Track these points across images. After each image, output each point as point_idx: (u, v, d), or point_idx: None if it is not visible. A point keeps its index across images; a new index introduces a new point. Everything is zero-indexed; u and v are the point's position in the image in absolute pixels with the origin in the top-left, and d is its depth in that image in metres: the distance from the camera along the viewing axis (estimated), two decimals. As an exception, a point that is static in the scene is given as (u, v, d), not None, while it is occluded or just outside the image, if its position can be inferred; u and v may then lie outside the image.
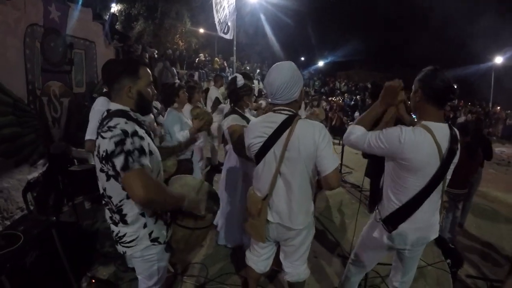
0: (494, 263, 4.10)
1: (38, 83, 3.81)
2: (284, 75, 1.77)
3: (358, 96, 19.76)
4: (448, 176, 1.82)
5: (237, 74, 2.91)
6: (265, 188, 1.87)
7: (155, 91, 1.71)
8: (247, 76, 3.81)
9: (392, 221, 1.87)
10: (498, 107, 21.06)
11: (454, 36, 26.06)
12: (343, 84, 25.09)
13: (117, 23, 16.34)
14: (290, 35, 27.18)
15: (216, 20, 9.58)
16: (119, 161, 1.40)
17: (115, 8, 17.05)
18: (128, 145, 1.42)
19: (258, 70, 20.25)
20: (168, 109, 3.49)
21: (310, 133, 1.75)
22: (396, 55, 31.72)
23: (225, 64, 17.60)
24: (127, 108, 1.59)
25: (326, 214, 4.53)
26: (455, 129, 1.82)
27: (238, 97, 2.85)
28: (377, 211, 2.02)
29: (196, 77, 14.08)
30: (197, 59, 16.44)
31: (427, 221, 1.87)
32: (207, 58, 17.85)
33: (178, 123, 3.28)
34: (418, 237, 1.90)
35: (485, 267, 3.96)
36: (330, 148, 1.77)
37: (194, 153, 3.58)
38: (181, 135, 3.15)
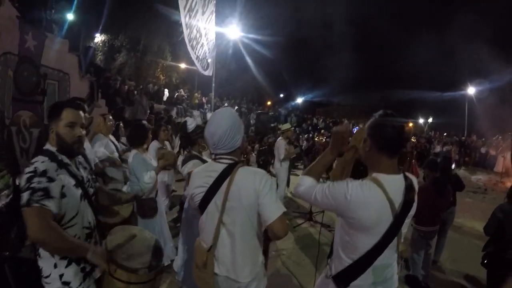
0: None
1: (8, 112, 3.72)
2: (225, 124, 1.76)
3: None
4: (404, 230, 1.69)
5: (187, 118, 2.91)
6: (209, 239, 1.82)
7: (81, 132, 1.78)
8: None
9: (344, 279, 1.71)
10: (474, 136, 21.79)
11: (431, 67, 27.36)
12: (320, 120, 25.44)
13: (99, 53, 16.51)
14: (270, 72, 27.98)
15: (194, 57, 9.71)
16: (24, 197, 1.52)
17: (99, 38, 17.26)
18: (34, 183, 1.54)
19: (236, 107, 20.51)
20: (133, 151, 3.47)
21: (250, 181, 1.71)
22: (372, 87, 32.96)
23: (204, 100, 17.73)
24: (53, 149, 1.71)
25: (294, 257, 4.39)
26: (411, 178, 1.70)
27: (192, 142, 2.83)
28: (327, 267, 1.88)
29: (174, 113, 14.05)
30: (176, 94, 16.51)
31: (383, 276, 1.71)
32: (187, 94, 17.91)
33: (143, 166, 3.28)
34: None
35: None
36: (272, 195, 1.72)
37: (159, 193, 3.56)
38: (148, 177, 3.15)
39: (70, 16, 14.79)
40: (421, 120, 34.10)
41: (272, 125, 15.98)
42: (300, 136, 15.64)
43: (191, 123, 2.84)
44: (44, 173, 1.56)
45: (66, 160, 1.72)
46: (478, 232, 6.15)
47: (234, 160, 1.81)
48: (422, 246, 4.01)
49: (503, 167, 12.88)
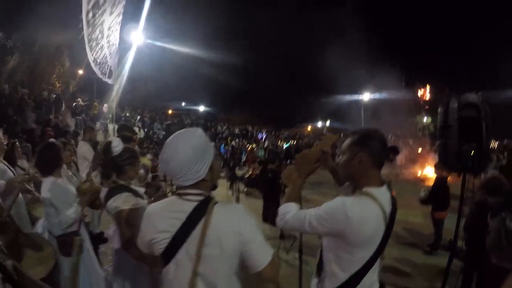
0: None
1: None
2: (183, 151, 1.42)
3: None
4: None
5: (113, 139, 2.35)
6: None
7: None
8: (127, 128, 3.28)
9: None
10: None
11: (329, 73, 29.98)
12: (224, 127, 24.93)
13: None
14: (172, 81, 27.30)
15: (91, 59, 8.72)
16: None
17: (-11, 36, 14.59)
18: None
19: (138, 117, 19.50)
20: (49, 178, 2.78)
21: (231, 222, 1.43)
22: (270, 94, 35.11)
23: (105, 109, 16.36)
24: None
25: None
26: (391, 188, 1.74)
27: (119, 169, 2.25)
28: (319, 285, 1.77)
29: (72, 124, 12.48)
30: (74, 104, 14.63)
31: (372, 284, 1.69)
32: (86, 103, 16.14)
33: (65, 198, 2.71)
34: None
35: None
36: (259, 237, 1.48)
37: (82, 226, 2.90)
38: (73, 211, 2.62)
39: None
40: (319, 124, 36.70)
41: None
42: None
43: (117, 145, 2.26)
44: None
45: None
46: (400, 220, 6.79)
47: (204, 194, 1.47)
48: None
49: (401, 161, 14.85)
